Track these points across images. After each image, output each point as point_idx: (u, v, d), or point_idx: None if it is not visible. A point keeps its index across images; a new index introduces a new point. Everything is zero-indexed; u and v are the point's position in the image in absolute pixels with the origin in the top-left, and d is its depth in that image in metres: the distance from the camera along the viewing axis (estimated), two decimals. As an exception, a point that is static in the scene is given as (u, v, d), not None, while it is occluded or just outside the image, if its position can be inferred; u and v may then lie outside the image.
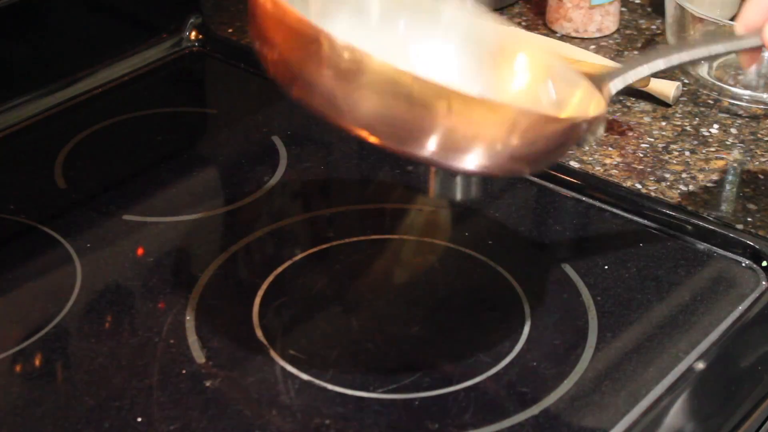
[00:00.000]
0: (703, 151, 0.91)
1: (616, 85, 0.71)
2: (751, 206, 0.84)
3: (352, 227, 0.83)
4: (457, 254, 0.80)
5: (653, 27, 1.10)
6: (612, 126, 0.93)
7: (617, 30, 1.09)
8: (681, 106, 0.97)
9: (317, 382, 0.69)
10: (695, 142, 0.92)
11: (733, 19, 1.05)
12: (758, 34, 0.73)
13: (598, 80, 0.71)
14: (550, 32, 1.08)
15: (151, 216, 0.84)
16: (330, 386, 0.68)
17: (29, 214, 0.83)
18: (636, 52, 1.05)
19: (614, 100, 0.97)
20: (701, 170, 0.88)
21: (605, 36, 1.08)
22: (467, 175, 0.69)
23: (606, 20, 1.07)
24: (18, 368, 0.71)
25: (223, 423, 0.66)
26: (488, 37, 0.75)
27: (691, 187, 0.86)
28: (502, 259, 0.79)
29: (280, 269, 0.78)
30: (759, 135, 0.93)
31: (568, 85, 0.72)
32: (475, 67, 0.75)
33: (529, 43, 0.74)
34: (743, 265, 0.80)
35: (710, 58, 0.73)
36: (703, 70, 0.99)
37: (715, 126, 0.94)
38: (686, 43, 0.73)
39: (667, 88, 0.96)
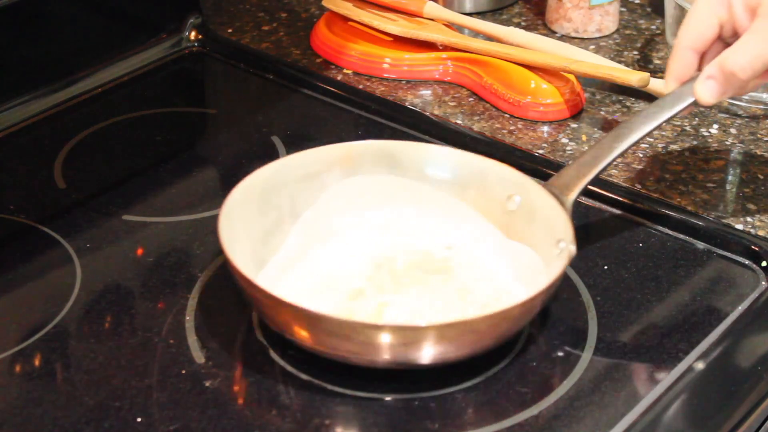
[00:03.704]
0: (703, 151, 0.91)
1: (573, 200, 0.75)
2: (751, 206, 0.84)
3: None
4: (457, 254, 0.80)
5: (653, 27, 1.10)
6: (612, 126, 0.93)
7: (617, 30, 1.09)
8: (681, 106, 0.97)
9: (317, 382, 0.69)
10: (695, 142, 0.92)
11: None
12: (689, 91, 0.76)
13: (560, 198, 0.75)
14: (550, 32, 1.08)
15: (151, 216, 0.84)
16: (330, 386, 0.68)
17: (29, 214, 0.83)
18: (635, 53, 1.05)
19: (614, 100, 0.97)
20: (701, 170, 0.88)
21: (605, 36, 1.08)
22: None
23: (605, 20, 1.07)
24: (18, 368, 0.71)
25: (223, 423, 0.66)
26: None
27: (691, 187, 0.86)
28: (502, 259, 0.78)
29: (280, 269, 0.78)
30: (758, 135, 0.93)
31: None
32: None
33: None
34: (743, 265, 0.80)
35: (647, 135, 0.79)
36: (702, 70, 0.99)
37: (715, 126, 0.94)
38: (621, 130, 0.77)
39: (667, 88, 0.96)
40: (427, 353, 0.66)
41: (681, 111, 0.78)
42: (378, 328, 0.66)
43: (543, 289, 0.68)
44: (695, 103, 0.77)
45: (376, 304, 0.73)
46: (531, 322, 0.73)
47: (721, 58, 0.74)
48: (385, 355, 0.66)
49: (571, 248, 0.70)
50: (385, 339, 0.65)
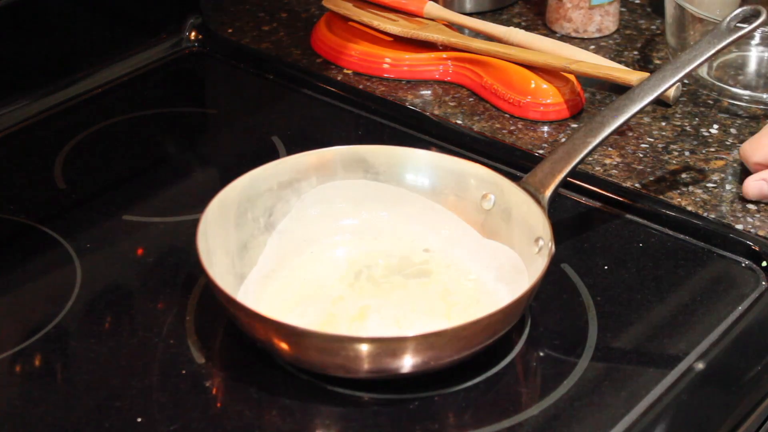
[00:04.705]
0: (703, 151, 0.91)
1: (549, 197, 0.76)
2: (751, 206, 0.84)
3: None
4: (457, 254, 0.80)
5: (653, 27, 1.10)
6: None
7: (617, 30, 1.09)
8: (681, 106, 0.97)
9: (317, 382, 0.69)
10: (695, 142, 0.92)
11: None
12: (657, 83, 0.80)
13: (536, 196, 0.75)
14: (550, 32, 1.08)
15: (151, 216, 0.84)
16: (330, 386, 0.68)
17: (29, 214, 0.83)
18: (636, 53, 1.05)
19: (614, 100, 0.97)
20: (701, 170, 0.88)
21: (605, 36, 1.08)
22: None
23: (606, 20, 1.07)
24: (18, 368, 0.71)
25: (223, 423, 0.66)
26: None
27: (691, 187, 0.86)
28: (502, 259, 0.78)
29: (280, 269, 0.78)
30: (759, 135, 0.93)
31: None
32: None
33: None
34: (743, 265, 0.80)
35: (619, 128, 0.80)
36: (702, 71, 0.99)
37: (715, 126, 0.94)
38: (594, 125, 0.79)
39: (667, 88, 0.96)
40: (410, 362, 0.66)
41: (650, 102, 0.79)
42: (360, 340, 0.66)
43: (526, 292, 0.68)
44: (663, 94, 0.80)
45: (358, 308, 0.73)
46: (531, 322, 0.73)
47: None
48: (369, 366, 0.66)
49: (551, 246, 0.70)
50: (368, 351, 0.65)
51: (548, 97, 0.94)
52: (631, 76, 0.93)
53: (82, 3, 0.99)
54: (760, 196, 0.84)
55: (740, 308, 0.75)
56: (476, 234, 0.78)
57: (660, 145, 0.91)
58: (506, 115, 0.96)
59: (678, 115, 0.95)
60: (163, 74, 1.03)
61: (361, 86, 1.00)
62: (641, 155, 0.90)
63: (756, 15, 0.82)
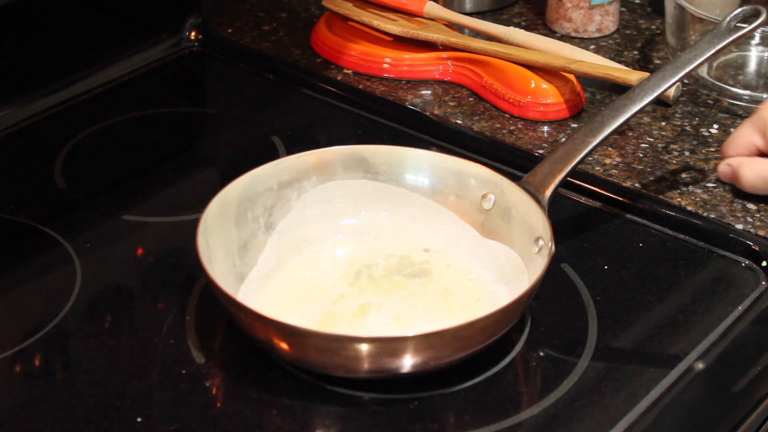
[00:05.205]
0: (703, 151, 0.91)
1: (549, 197, 0.76)
2: (751, 206, 0.84)
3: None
4: (457, 254, 0.80)
5: (653, 27, 1.10)
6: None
7: (617, 30, 1.09)
8: (681, 106, 0.97)
9: (317, 382, 0.69)
10: (695, 142, 0.92)
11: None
12: (658, 83, 0.80)
13: (536, 196, 0.75)
14: (550, 32, 1.08)
15: (151, 216, 0.84)
16: (330, 386, 0.68)
17: (29, 214, 0.83)
18: (636, 53, 1.05)
19: (614, 100, 0.97)
20: (701, 170, 0.88)
21: (605, 36, 1.08)
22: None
23: (606, 20, 1.07)
24: (18, 368, 0.71)
25: (223, 423, 0.66)
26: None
27: (691, 187, 0.86)
28: (502, 259, 0.78)
29: (280, 269, 0.78)
30: (759, 135, 0.93)
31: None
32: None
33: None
34: (743, 265, 0.80)
35: (619, 128, 0.80)
36: (702, 71, 0.99)
37: (715, 126, 0.94)
38: (594, 124, 0.79)
39: (667, 88, 0.96)
40: (410, 362, 0.66)
41: (650, 102, 0.79)
42: (360, 340, 0.66)
43: (526, 291, 0.68)
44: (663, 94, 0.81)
45: (359, 305, 0.73)
46: (531, 322, 0.73)
47: (741, 160, 0.84)
48: (369, 366, 0.66)
49: (551, 246, 0.70)
50: (368, 351, 0.65)
51: (548, 97, 0.94)
52: (631, 76, 0.93)
53: (82, 3, 0.99)
54: (726, 179, 0.85)
55: (740, 308, 0.75)
56: (476, 234, 0.78)
57: (660, 145, 0.91)
58: (506, 115, 0.96)
59: (678, 115, 0.95)
60: (163, 74, 1.03)
61: (361, 86, 1.00)
62: (641, 155, 0.90)
63: (756, 15, 0.82)
